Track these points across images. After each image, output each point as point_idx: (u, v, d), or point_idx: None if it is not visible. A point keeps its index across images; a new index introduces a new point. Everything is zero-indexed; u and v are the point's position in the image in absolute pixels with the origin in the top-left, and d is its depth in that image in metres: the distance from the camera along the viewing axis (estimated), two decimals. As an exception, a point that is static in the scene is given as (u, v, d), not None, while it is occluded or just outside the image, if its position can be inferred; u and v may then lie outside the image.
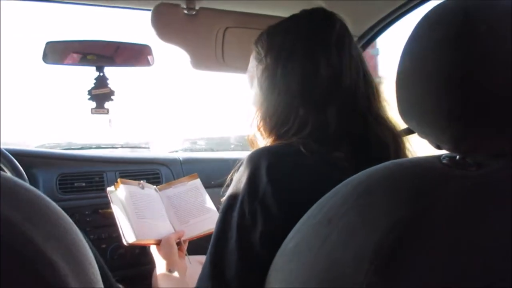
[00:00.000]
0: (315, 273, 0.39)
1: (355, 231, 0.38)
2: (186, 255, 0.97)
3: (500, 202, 0.36)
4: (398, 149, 0.69)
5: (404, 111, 0.43)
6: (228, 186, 0.63)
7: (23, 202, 0.27)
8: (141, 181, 1.06)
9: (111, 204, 0.96)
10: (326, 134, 0.64)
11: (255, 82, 0.74)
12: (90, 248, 0.36)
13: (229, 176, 0.67)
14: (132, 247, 1.15)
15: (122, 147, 2.11)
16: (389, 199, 0.39)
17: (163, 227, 0.98)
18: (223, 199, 0.62)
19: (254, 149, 0.67)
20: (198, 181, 1.11)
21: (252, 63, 0.76)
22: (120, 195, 0.96)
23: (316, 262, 0.40)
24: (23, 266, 0.24)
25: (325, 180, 0.57)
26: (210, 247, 0.59)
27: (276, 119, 0.68)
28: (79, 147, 1.73)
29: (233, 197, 0.59)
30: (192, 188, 1.09)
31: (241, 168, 0.60)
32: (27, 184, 0.30)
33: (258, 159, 0.59)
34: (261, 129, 0.72)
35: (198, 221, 1.02)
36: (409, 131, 0.75)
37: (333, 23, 0.71)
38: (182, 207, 1.05)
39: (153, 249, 0.94)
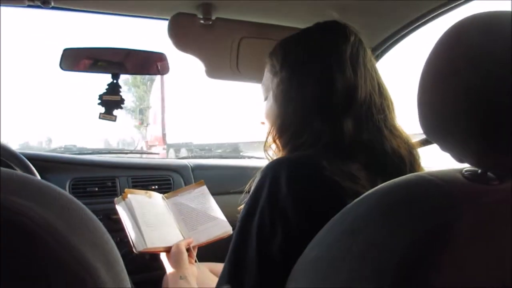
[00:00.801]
0: (336, 284, 0.40)
1: (377, 243, 0.39)
2: (195, 261, 0.97)
3: None
4: (414, 161, 0.69)
5: (426, 127, 0.43)
6: (246, 193, 0.64)
7: (66, 211, 0.28)
8: (148, 190, 1.07)
9: (120, 214, 0.96)
10: (342, 146, 0.64)
11: (270, 94, 0.74)
12: None
13: (247, 185, 0.68)
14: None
15: (131, 152, 2.13)
16: (412, 212, 0.39)
17: (172, 234, 0.98)
18: (241, 207, 0.62)
19: (271, 159, 0.68)
20: (204, 188, 1.11)
21: (267, 75, 0.76)
22: (128, 205, 0.96)
23: (337, 273, 0.41)
24: (69, 275, 0.25)
25: (343, 191, 0.57)
26: (228, 255, 0.60)
27: (292, 131, 0.69)
28: (90, 151, 1.75)
29: (252, 206, 0.59)
30: (199, 195, 1.10)
31: (261, 178, 0.60)
32: (67, 193, 0.31)
33: (278, 169, 0.59)
34: (277, 141, 0.72)
35: (206, 228, 1.03)
36: (425, 142, 0.75)
37: (348, 36, 0.70)
38: (190, 214, 1.06)
39: (163, 257, 0.94)
